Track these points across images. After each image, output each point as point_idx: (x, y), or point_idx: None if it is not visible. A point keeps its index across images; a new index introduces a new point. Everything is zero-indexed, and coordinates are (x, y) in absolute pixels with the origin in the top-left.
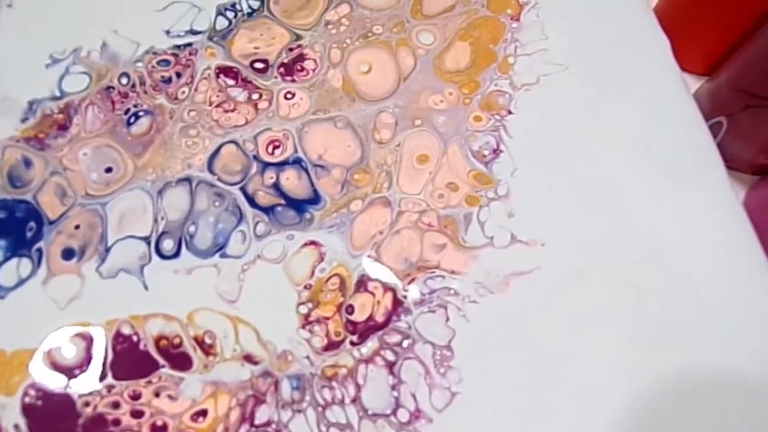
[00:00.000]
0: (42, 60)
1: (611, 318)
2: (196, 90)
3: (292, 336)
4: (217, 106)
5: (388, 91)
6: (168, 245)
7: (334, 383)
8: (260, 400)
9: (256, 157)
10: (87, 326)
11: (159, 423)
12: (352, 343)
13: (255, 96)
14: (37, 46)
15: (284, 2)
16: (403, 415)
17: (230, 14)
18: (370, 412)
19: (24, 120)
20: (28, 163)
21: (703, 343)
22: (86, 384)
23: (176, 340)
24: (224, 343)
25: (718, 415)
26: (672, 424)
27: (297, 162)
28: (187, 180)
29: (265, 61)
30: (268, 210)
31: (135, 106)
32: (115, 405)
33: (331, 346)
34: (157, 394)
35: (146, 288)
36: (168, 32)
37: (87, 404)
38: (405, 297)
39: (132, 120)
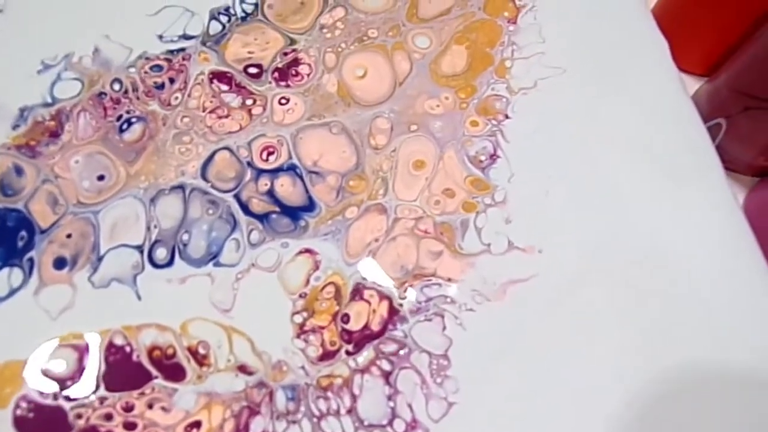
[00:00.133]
0: (33, 66)
1: (609, 324)
2: (189, 96)
3: (286, 346)
4: (210, 112)
5: (384, 95)
6: (161, 254)
7: (329, 394)
8: (255, 411)
9: (250, 164)
10: (79, 337)
11: None
12: (348, 353)
13: (249, 101)
14: (29, 52)
15: (278, 6)
16: (399, 426)
17: (224, 18)
18: (366, 423)
19: (15, 127)
20: (19, 171)
21: (702, 344)
22: (78, 396)
23: (169, 351)
24: (218, 354)
25: (717, 416)
26: (671, 426)
27: (291, 168)
28: (181, 187)
29: (259, 65)
30: (263, 217)
31: (127, 112)
32: (108, 417)
33: (327, 355)
34: (150, 406)
35: (139, 297)
36: (161, 37)
37: (79, 416)
38: (401, 305)
39: (124, 127)
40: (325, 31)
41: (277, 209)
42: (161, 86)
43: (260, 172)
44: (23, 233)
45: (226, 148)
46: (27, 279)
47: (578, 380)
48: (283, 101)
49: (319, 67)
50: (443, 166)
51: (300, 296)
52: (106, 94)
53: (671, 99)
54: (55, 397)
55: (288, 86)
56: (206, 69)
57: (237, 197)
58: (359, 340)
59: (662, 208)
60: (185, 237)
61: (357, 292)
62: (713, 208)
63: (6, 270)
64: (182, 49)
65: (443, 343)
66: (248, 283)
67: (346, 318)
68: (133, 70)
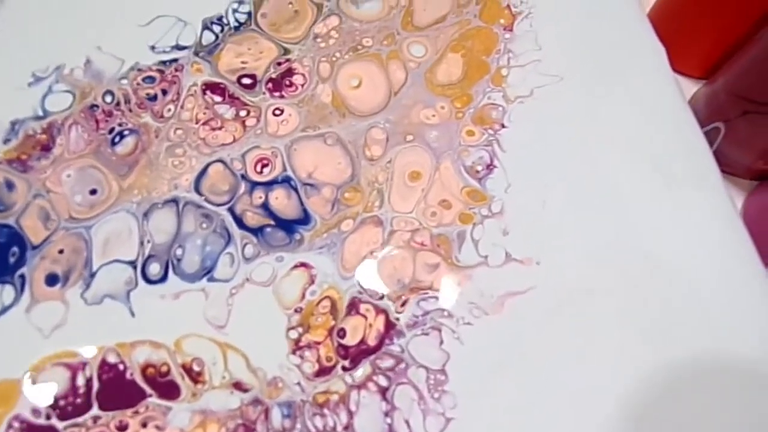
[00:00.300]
0: (24, 78)
1: (609, 336)
2: (182, 107)
3: (282, 362)
4: (203, 123)
5: (379, 105)
6: (154, 269)
7: (325, 410)
8: (250, 428)
9: (244, 177)
10: (72, 355)
11: None
12: (344, 369)
13: (243, 113)
14: (19, 64)
15: (272, 15)
16: None
17: (217, 28)
18: None
19: (6, 141)
20: (10, 185)
21: (701, 347)
22: (72, 415)
23: (163, 368)
24: (213, 371)
25: (717, 417)
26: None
27: (286, 181)
28: (174, 201)
29: (252, 76)
30: (257, 231)
31: (120, 125)
32: None
33: (323, 371)
34: (144, 425)
35: (132, 314)
36: (153, 48)
37: None
38: (398, 319)
39: (117, 139)
40: (319, 40)
41: (272, 222)
42: (154, 98)
43: (254, 184)
44: (14, 249)
45: (219, 160)
46: (19, 296)
47: (577, 393)
48: (277, 112)
49: (314, 77)
50: (439, 176)
51: (295, 311)
52: (98, 106)
53: (668, 104)
54: (48, 416)
55: (282, 97)
56: (199, 80)
57: (231, 211)
58: (355, 355)
59: (659, 212)
60: (179, 252)
61: (353, 306)
62: (710, 211)
63: None
64: (175, 60)
65: (441, 357)
66: (243, 298)
67: (342, 333)
68: (125, 81)
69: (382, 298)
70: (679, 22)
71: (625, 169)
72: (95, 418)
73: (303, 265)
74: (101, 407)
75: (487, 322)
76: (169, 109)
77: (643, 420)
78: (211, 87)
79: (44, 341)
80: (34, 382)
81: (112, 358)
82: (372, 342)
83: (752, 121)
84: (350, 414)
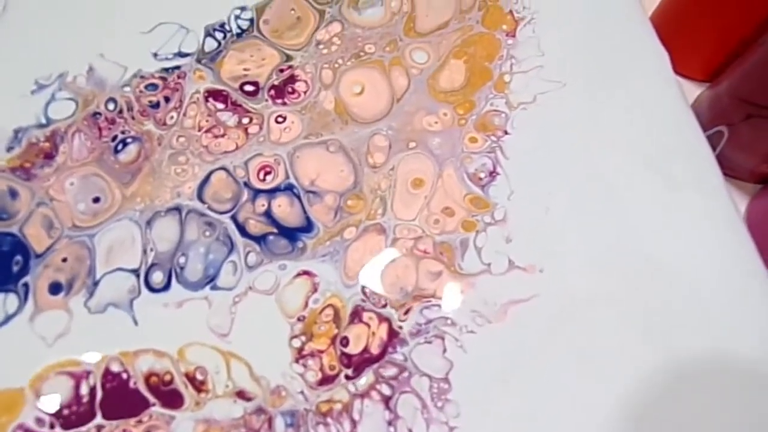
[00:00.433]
0: (27, 86)
1: (612, 343)
2: (185, 115)
3: (285, 370)
4: (206, 131)
5: (381, 112)
6: (157, 278)
7: (329, 419)
8: None
9: (246, 184)
10: (75, 364)
11: None
12: (347, 377)
13: (245, 120)
14: (22, 72)
15: (274, 21)
16: None
17: (219, 35)
18: None
19: (9, 149)
20: (14, 194)
21: (702, 351)
22: (75, 424)
23: (167, 377)
24: (216, 379)
25: (717, 418)
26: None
27: (289, 188)
28: (177, 209)
29: (255, 83)
30: (260, 239)
31: (122, 132)
32: None
33: (326, 380)
34: None
35: (136, 323)
36: (156, 55)
37: None
38: (401, 327)
39: (120, 147)
40: (321, 47)
41: (275, 230)
42: (156, 105)
43: (257, 192)
44: (18, 258)
45: (222, 168)
46: (22, 305)
47: (581, 401)
48: (280, 119)
49: (316, 84)
50: (442, 184)
51: (298, 319)
52: (100, 114)
53: (670, 108)
54: (52, 425)
55: (284, 104)
56: (202, 87)
57: (234, 218)
58: (359, 363)
59: (661, 215)
60: (182, 260)
61: (356, 315)
62: (711, 213)
63: (1, 296)
64: (177, 67)
65: (444, 366)
66: (246, 306)
67: (345, 341)
68: (128, 89)
69: (385, 306)
70: (682, 24)
71: (627, 173)
72: (99, 427)
73: (306, 273)
74: (105, 416)
75: (491, 330)
76: (172, 117)
77: (644, 420)
78: (213, 94)
79: (48, 350)
80: (37, 391)
81: (115, 367)
82: (375, 350)
83: (755, 124)
84: (353, 423)
